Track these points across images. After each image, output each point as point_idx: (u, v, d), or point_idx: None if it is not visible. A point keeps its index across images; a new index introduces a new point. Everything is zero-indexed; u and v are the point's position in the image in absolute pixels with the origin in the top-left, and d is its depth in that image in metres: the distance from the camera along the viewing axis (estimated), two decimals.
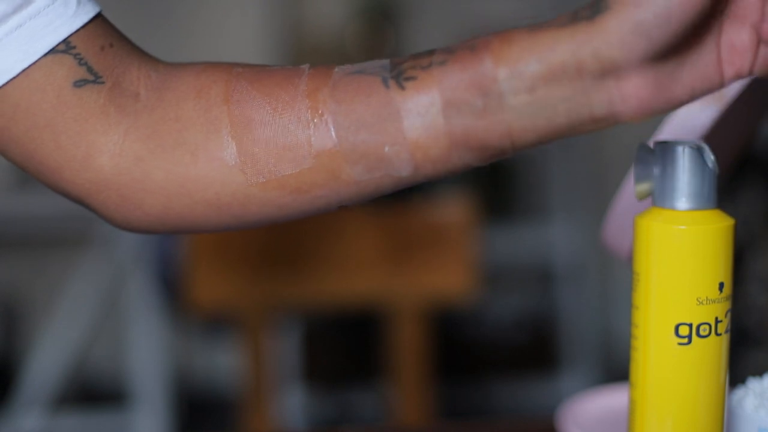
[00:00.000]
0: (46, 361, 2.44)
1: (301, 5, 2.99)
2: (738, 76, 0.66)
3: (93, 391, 2.85)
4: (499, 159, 0.68)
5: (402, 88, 0.67)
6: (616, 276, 3.01)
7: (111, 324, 2.63)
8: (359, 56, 2.87)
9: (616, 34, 0.63)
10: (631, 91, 0.64)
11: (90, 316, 2.47)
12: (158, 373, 2.44)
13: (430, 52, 0.67)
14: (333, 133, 0.67)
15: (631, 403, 0.74)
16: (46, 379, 2.43)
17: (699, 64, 0.65)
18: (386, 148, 0.67)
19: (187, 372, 2.94)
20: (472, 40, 0.67)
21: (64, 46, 0.69)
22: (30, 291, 2.96)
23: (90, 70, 0.69)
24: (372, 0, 2.97)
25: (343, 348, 2.88)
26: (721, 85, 0.66)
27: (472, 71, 0.66)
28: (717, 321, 0.72)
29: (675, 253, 0.72)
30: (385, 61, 0.68)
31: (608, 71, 0.64)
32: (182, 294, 1.64)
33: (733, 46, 0.65)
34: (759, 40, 0.65)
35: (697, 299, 0.72)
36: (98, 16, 0.71)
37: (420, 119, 0.66)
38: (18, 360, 2.80)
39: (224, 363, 2.88)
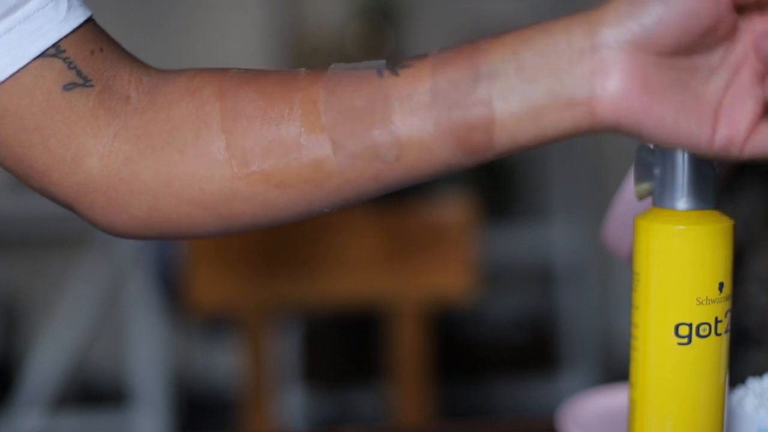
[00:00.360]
0: (46, 361, 2.44)
1: (301, 5, 2.98)
2: (729, 143, 0.63)
3: (93, 391, 2.85)
4: (482, 158, 0.67)
5: (396, 75, 0.67)
6: (616, 276, 3.01)
7: (111, 324, 2.63)
8: (359, 56, 2.87)
9: (612, 12, 0.63)
10: (615, 75, 0.63)
11: (90, 316, 2.47)
12: (158, 373, 2.44)
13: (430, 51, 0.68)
14: (323, 121, 0.67)
15: (631, 403, 0.74)
16: (46, 379, 2.43)
17: (695, 101, 0.64)
18: (374, 132, 0.67)
19: (187, 372, 2.94)
20: (475, 39, 0.67)
21: (54, 51, 0.69)
22: (30, 291, 2.96)
23: (79, 73, 0.70)
24: (372, 0, 2.97)
25: (343, 348, 2.88)
26: (708, 142, 0.64)
27: (466, 55, 0.66)
28: (717, 321, 0.72)
29: (675, 253, 0.72)
30: (383, 60, 0.69)
31: (596, 47, 0.63)
32: (182, 294, 1.64)
33: (733, 108, 0.64)
34: (760, 118, 0.64)
35: (696, 299, 0.72)
36: (88, 21, 0.71)
37: (409, 102, 0.66)
38: (18, 360, 2.80)
39: (224, 363, 2.88)
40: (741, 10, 0.64)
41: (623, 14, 0.63)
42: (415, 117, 0.66)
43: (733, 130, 0.63)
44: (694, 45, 0.63)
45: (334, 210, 0.71)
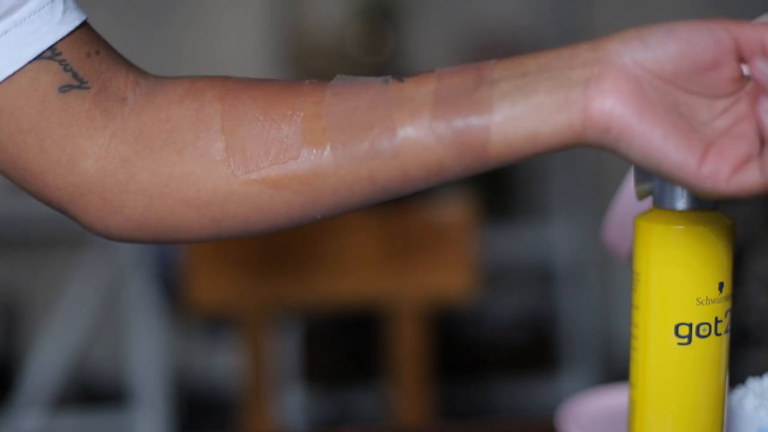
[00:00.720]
0: (46, 361, 2.44)
1: (301, 5, 2.98)
2: (715, 176, 0.63)
3: (93, 391, 2.85)
4: (475, 161, 0.67)
5: (401, 81, 0.68)
6: (616, 276, 3.01)
7: (111, 324, 2.63)
8: (359, 56, 2.86)
9: (618, 34, 0.65)
10: (612, 80, 0.64)
11: (90, 316, 2.47)
12: (158, 373, 2.44)
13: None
14: (324, 121, 0.68)
15: (631, 403, 0.74)
16: (46, 379, 2.43)
17: (688, 129, 0.64)
18: (374, 131, 0.67)
19: (187, 372, 2.94)
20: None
21: (50, 53, 0.69)
22: (30, 291, 2.96)
23: (75, 75, 0.70)
24: (372, 0, 2.97)
25: (343, 348, 2.88)
26: (695, 171, 0.64)
27: (473, 68, 0.67)
28: (717, 321, 0.72)
29: (675, 253, 0.72)
30: (388, 76, 0.70)
31: (599, 58, 0.65)
32: (182, 294, 1.64)
33: (725, 146, 0.64)
34: (747, 161, 0.64)
35: (696, 299, 0.72)
36: (84, 24, 0.71)
37: (410, 103, 0.67)
38: (18, 360, 2.80)
39: (224, 363, 2.88)
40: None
41: (629, 35, 0.65)
42: (414, 115, 0.67)
43: (721, 164, 0.64)
44: (694, 80, 0.64)
45: (327, 217, 0.71)
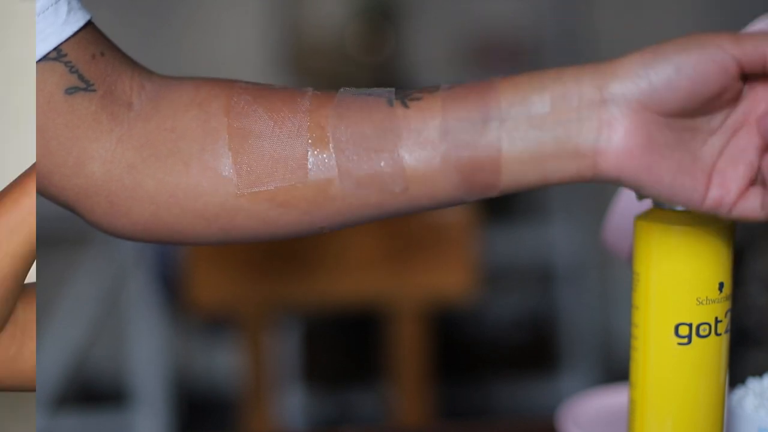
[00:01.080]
0: (46, 361, 2.44)
1: (301, 5, 2.98)
2: (718, 204, 0.66)
3: (93, 391, 2.85)
4: (485, 196, 0.68)
5: (406, 106, 0.68)
6: (616, 276, 3.01)
7: (111, 324, 2.63)
8: (359, 56, 2.86)
9: (624, 68, 0.65)
10: (620, 131, 0.65)
11: (90, 316, 2.47)
12: (158, 373, 2.44)
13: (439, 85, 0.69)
14: (330, 146, 0.68)
15: (631, 403, 0.75)
16: (46, 379, 2.43)
17: (692, 161, 0.66)
18: (381, 163, 0.68)
19: (187, 372, 2.94)
20: (488, 78, 0.69)
21: (55, 54, 0.69)
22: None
23: (81, 77, 0.70)
24: (372, 0, 2.97)
25: (343, 348, 2.88)
26: (700, 200, 0.66)
27: (477, 94, 0.67)
28: (717, 321, 0.72)
29: (675, 253, 0.72)
30: (392, 89, 0.70)
31: (605, 101, 0.65)
32: (182, 294, 1.64)
33: (726, 171, 0.66)
34: (750, 183, 0.66)
35: (697, 299, 0.72)
36: (88, 24, 0.71)
37: (417, 136, 0.67)
38: None
39: (224, 363, 2.88)
40: (746, 78, 0.66)
41: (635, 72, 0.65)
42: (422, 151, 0.67)
43: (723, 193, 0.66)
44: (699, 108, 0.65)
45: (333, 230, 0.72)
